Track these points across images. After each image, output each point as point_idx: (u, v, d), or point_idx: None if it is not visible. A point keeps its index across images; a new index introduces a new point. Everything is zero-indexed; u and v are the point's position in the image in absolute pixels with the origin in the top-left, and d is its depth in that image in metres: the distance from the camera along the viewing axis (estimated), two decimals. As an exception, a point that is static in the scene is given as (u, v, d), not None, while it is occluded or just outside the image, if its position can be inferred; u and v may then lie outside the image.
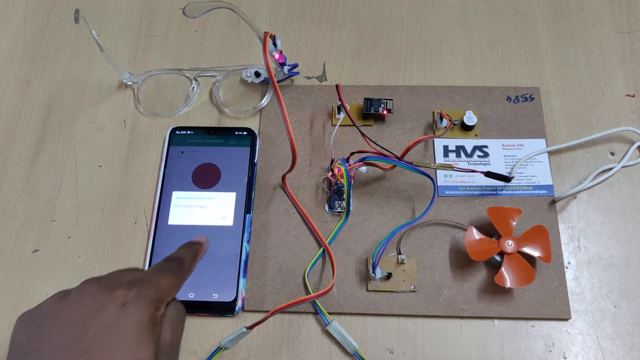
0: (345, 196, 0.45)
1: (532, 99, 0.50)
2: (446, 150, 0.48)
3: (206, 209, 0.47)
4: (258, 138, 0.50)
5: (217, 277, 0.44)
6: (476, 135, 0.49)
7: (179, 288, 0.34)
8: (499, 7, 0.55)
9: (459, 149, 0.48)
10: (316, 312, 0.43)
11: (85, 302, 0.31)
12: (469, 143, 0.49)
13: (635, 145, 0.48)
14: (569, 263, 0.44)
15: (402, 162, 0.43)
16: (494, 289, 0.43)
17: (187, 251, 0.37)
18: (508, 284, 0.41)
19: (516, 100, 0.50)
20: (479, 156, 0.48)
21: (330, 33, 0.55)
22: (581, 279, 0.44)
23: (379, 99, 0.49)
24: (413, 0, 0.56)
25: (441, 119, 0.48)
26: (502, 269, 0.41)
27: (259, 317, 0.39)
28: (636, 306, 0.43)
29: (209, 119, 0.52)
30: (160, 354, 0.31)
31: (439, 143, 0.49)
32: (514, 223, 0.43)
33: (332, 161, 0.45)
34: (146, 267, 0.45)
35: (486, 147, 0.48)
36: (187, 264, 0.36)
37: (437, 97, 0.51)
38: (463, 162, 0.48)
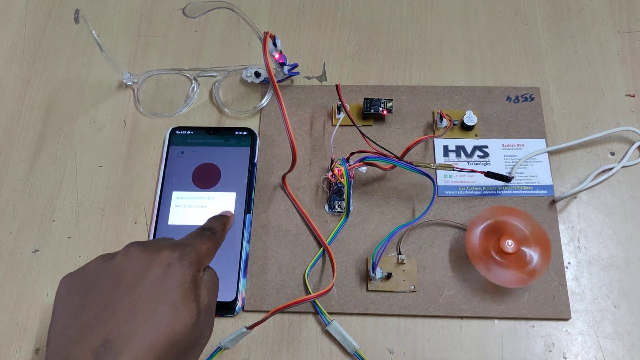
0: (345, 196, 0.45)
1: (532, 99, 0.50)
2: (446, 150, 0.48)
3: (206, 209, 0.47)
4: (258, 138, 0.50)
5: (217, 277, 0.44)
6: (476, 135, 0.49)
7: (214, 254, 0.37)
8: (499, 7, 0.56)
9: (459, 149, 0.48)
10: (316, 312, 0.43)
11: (132, 262, 0.32)
12: (469, 143, 0.49)
13: (635, 145, 0.48)
14: (569, 263, 0.44)
15: (402, 162, 0.43)
16: (494, 289, 0.43)
17: (217, 222, 0.39)
18: (507, 284, 0.41)
19: (516, 100, 0.50)
20: (479, 156, 0.48)
21: (330, 33, 0.55)
22: (581, 279, 0.44)
23: (379, 99, 0.49)
24: (413, 0, 0.56)
25: (441, 119, 0.48)
26: (502, 269, 0.41)
27: (259, 317, 0.39)
28: (636, 306, 0.43)
29: (209, 119, 0.52)
30: (200, 313, 0.33)
31: (439, 143, 0.49)
32: (515, 223, 0.43)
33: (332, 161, 0.45)
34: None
35: (486, 147, 0.48)
36: (219, 233, 0.38)
37: (437, 97, 0.51)
38: (463, 162, 0.48)
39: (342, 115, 0.49)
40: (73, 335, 0.30)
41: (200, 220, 0.46)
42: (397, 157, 0.44)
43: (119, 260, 0.33)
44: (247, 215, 0.46)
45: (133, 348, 0.29)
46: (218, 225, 0.39)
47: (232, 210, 0.46)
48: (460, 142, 0.49)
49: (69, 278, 0.33)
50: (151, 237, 0.46)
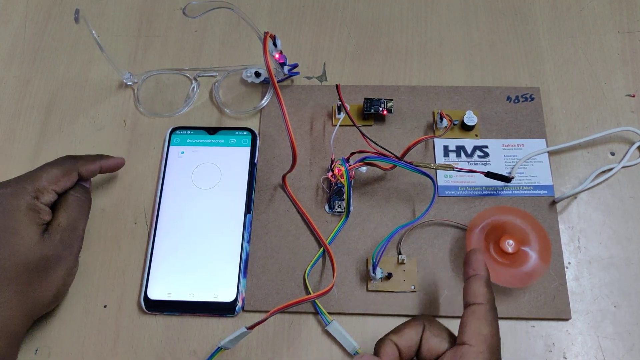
0: (345, 196, 0.45)
1: (532, 99, 0.50)
2: (446, 150, 0.48)
3: (206, 209, 0.47)
4: (258, 138, 0.50)
5: (217, 277, 0.44)
6: (476, 135, 0.49)
7: (67, 180, 0.42)
8: (499, 7, 0.56)
9: (459, 149, 0.48)
10: (316, 312, 0.43)
11: None
12: (469, 143, 0.49)
13: (635, 145, 0.48)
14: (569, 263, 0.44)
15: (402, 162, 0.43)
16: (494, 289, 0.43)
17: (92, 155, 0.45)
18: (507, 284, 0.41)
19: (516, 100, 0.50)
20: (479, 156, 0.48)
21: (330, 33, 0.55)
22: (581, 279, 0.44)
23: (379, 99, 0.49)
24: (413, 0, 0.56)
25: (441, 119, 0.48)
26: (502, 269, 0.41)
27: (259, 317, 0.39)
28: (636, 306, 0.43)
29: (209, 119, 0.52)
30: (52, 234, 0.40)
31: (439, 143, 0.49)
32: (515, 223, 0.43)
33: (332, 161, 0.45)
34: (146, 268, 0.45)
35: (486, 147, 0.48)
36: (81, 161, 0.43)
37: (437, 97, 0.51)
38: (463, 162, 0.48)
39: (342, 115, 0.49)
40: None
41: (200, 221, 0.46)
42: (397, 157, 0.44)
43: None
44: (247, 215, 0.46)
45: None
46: (91, 156, 0.45)
47: (232, 210, 0.46)
48: (460, 142, 0.49)
49: None
50: (151, 237, 0.46)
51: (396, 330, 0.36)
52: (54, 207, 0.42)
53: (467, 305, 0.35)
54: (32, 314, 0.40)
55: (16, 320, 0.38)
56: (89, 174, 0.44)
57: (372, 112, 0.49)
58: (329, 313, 0.43)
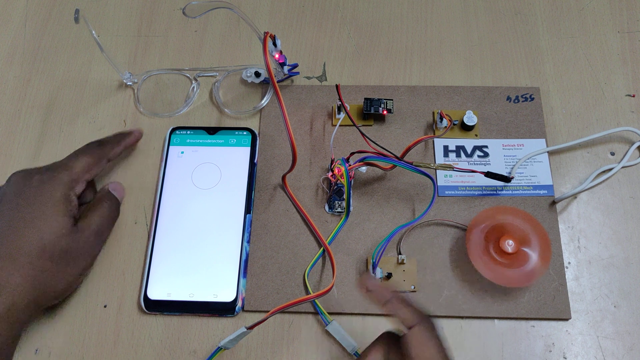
0: (345, 196, 0.45)
1: (532, 99, 0.50)
2: (446, 150, 0.48)
3: (206, 209, 0.47)
4: (258, 138, 0.50)
5: (217, 277, 0.44)
6: (476, 135, 0.49)
7: (98, 167, 0.44)
8: (499, 7, 0.56)
9: (459, 149, 0.48)
10: (316, 312, 0.43)
11: (10, 187, 0.41)
12: (469, 143, 0.49)
13: (635, 145, 0.48)
14: (569, 263, 0.44)
15: (402, 162, 0.43)
16: (494, 289, 0.43)
17: (113, 136, 0.47)
18: (507, 284, 0.41)
19: (516, 100, 0.50)
20: (479, 156, 0.48)
21: (330, 33, 0.55)
22: (581, 279, 0.44)
23: (379, 99, 0.49)
24: (413, 0, 0.56)
25: (441, 119, 0.48)
26: (502, 269, 0.41)
27: (259, 317, 0.39)
28: (636, 306, 0.43)
29: (209, 119, 0.52)
30: (81, 231, 0.41)
31: (439, 143, 0.49)
32: (515, 223, 0.43)
33: (332, 161, 0.45)
34: (146, 268, 0.45)
35: (486, 147, 0.48)
36: (107, 146, 0.45)
37: (437, 97, 0.51)
38: (463, 162, 0.48)
39: (342, 115, 0.49)
40: None
41: (200, 221, 0.46)
42: (397, 157, 0.44)
43: (4, 187, 0.41)
44: (247, 215, 0.46)
45: (7, 249, 0.38)
46: (114, 138, 0.46)
47: (232, 210, 0.46)
48: (460, 142, 0.49)
49: None
50: (151, 237, 0.46)
51: (362, 357, 0.36)
52: (83, 204, 0.44)
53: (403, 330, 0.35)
54: (38, 302, 0.39)
55: (22, 307, 0.38)
56: (116, 157, 0.46)
57: (372, 112, 0.49)
58: (329, 313, 0.43)
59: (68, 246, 0.40)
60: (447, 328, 0.42)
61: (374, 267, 0.42)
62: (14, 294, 0.37)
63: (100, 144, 0.45)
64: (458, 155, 0.48)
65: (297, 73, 0.53)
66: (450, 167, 0.44)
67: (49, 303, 0.41)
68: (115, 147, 0.46)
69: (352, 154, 0.45)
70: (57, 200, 0.40)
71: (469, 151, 0.48)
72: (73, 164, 0.43)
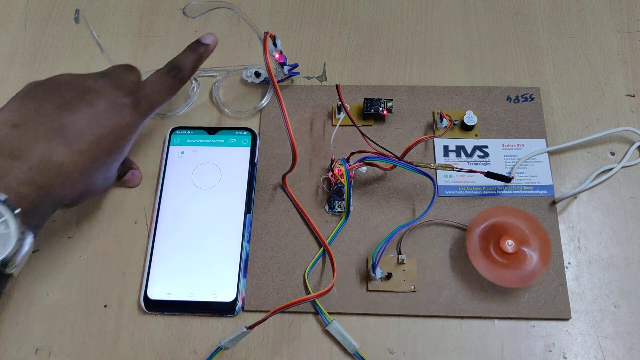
0: (345, 196, 0.45)
1: (532, 99, 0.50)
2: (446, 150, 0.48)
3: (206, 209, 0.47)
4: (258, 138, 0.50)
5: (217, 277, 0.44)
6: (476, 135, 0.49)
7: (174, 94, 0.42)
8: (499, 7, 0.56)
9: (459, 149, 0.48)
10: (316, 312, 0.43)
11: (63, 77, 0.41)
12: (469, 143, 0.49)
13: (635, 145, 0.48)
14: (569, 263, 0.44)
15: (402, 162, 0.43)
16: (494, 289, 0.43)
17: (189, 56, 0.43)
18: (507, 284, 0.41)
19: (516, 100, 0.50)
20: (479, 156, 0.48)
21: (330, 33, 0.55)
22: (581, 279, 0.44)
23: (379, 99, 0.49)
24: (413, 0, 0.56)
25: (441, 119, 0.48)
26: (502, 269, 0.41)
27: (259, 317, 0.39)
28: (636, 306, 0.43)
29: (209, 119, 0.52)
30: (128, 124, 0.40)
31: (439, 143, 0.49)
32: (515, 223, 0.43)
33: (332, 161, 0.45)
34: (146, 267, 0.45)
35: (486, 147, 0.48)
36: (186, 73, 0.42)
37: (437, 97, 0.51)
38: (463, 162, 0.48)
39: (342, 115, 0.49)
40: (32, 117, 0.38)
41: (200, 221, 0.46)
42: (397, 157, 0.44)
43: (56, 78, 0.41)
44: (247, 215, 0.46)
45: (72, 132, 0.37)
46: (190, 60, 0.42)
47: (232, 210, 0.46)
48: (460, 142, 0.49)
49: (29, 87, 0.41)
50: (151, 237, 0.46)
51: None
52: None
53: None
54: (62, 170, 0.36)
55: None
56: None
57: (372, 112, 0.49)
58: (329, 313, 0.43)
59: (123, 134, 0.40)
60: (447, 328, 0.43)
61: (374, 267, 0.42)
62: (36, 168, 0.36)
63: (177, 71, 0.42)
64: (458, 155, 0.48)
65: (297, 73, 0.53)
66: (450, 167, 0.44)
67: (59, 186, 0.37)
68: (192, 72, 0.43)
69: (352, 154, 0.45)
70: (115, 99, 0.40)
71: (469, 151, 0.48)
72: (151, 96, 0.42)
